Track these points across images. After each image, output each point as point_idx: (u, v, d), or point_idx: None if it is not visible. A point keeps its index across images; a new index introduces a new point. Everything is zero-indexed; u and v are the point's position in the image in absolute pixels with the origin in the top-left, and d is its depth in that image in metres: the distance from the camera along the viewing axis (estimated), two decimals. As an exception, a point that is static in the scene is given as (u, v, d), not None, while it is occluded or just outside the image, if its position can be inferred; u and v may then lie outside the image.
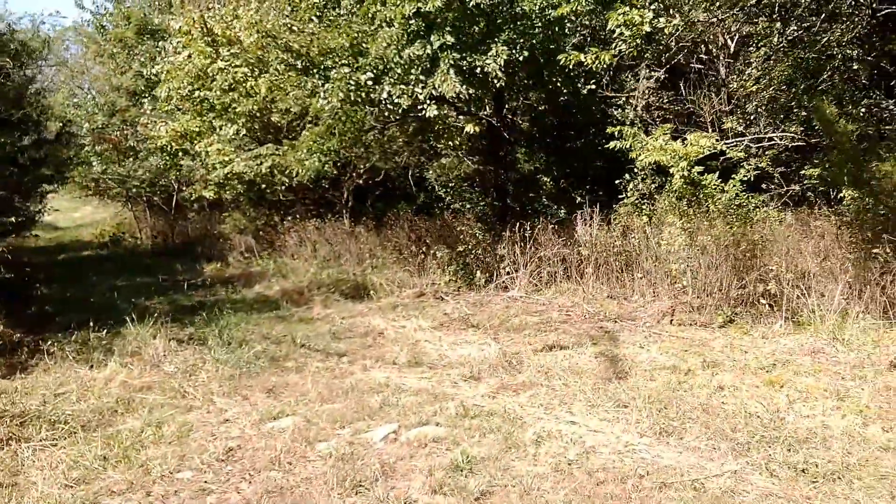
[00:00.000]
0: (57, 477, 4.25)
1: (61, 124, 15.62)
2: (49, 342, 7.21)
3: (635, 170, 9.25)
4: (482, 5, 8.98)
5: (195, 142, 12.34)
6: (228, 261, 14.25)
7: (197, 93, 11.69)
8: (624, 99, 10.14)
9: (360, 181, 14.46)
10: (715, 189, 8.31)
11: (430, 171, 14.73)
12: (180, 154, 13.57)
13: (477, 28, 9.46)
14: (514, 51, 9.00)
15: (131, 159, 17.01)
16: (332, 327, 8.54)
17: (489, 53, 8.72)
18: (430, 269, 10.69)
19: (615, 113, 10.17)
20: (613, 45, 8.15)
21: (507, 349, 7.09)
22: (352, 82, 9.07)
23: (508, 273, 9.96)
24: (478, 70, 8.82)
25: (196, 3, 14.91)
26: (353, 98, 9.27)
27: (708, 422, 5.09)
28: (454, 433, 4.98)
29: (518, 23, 9.36)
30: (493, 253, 10.36)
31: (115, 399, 5.65)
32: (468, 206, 13.78)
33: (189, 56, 11.14)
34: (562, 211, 11.64)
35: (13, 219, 10.09)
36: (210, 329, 8.20)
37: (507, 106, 11.58)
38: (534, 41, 9.42)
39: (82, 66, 21.14)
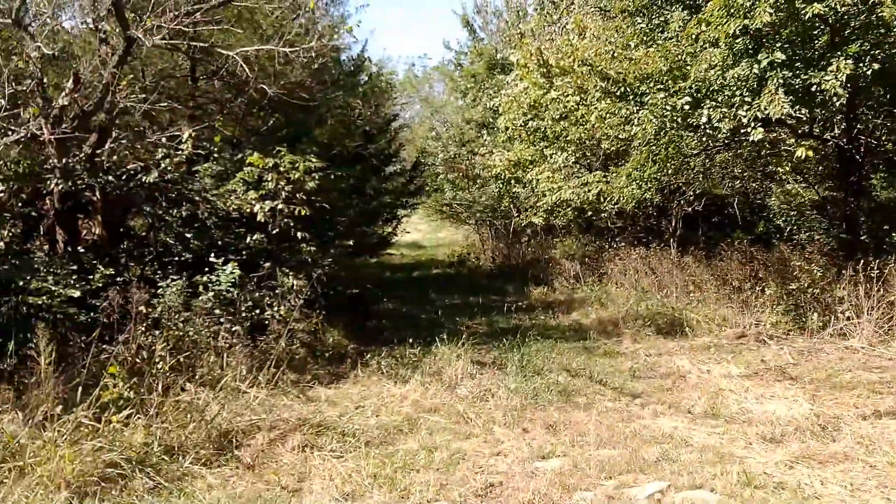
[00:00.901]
0: (331, 489, 4.64)
1: (417, 155, 17.43)
2: (369, 355, 8.01)
3: None
4: (826, 16, 7.95)
5: (527, 170, 12.90)
6: (554, 286, 14.49)
7: (530, 122, 12.23)
8: None
9: (690, 209, 13.73)
10: None
11: (773, 198, 13.46)
12: (513, 182, 14.29)
13: (817, 42, 8.42)
14: (861, 64, 7.81)
15: (476, 186, 18.39)
16: (633, 364, 8.19)
17: (829, 69, 7.69)
18: (755, 308, 9.70)
19: None
20: None
21: (825, 410, 6.09)
22: (667, 107, 8.68)
23: (849, 318, 8.60)
24: (813, 88, 7.83)
25: (536, 37, 15.62)
26: (668, 124, 8.87)
27: None
28: (728, 504, 4.41)
29: (871, 32, 8.12)
30: (832, 293, 9.04)
31: (403, 418, 6.04)
32: (815, 237, 12.26)
33: (525, 88, 11.67)
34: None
35: (350, 241, 11.39)
36: (512, 355, 8.40)
37: (858, 125, 10.06)
38: (894, 52, 8.09)
39: (443, 101, 23.40)
